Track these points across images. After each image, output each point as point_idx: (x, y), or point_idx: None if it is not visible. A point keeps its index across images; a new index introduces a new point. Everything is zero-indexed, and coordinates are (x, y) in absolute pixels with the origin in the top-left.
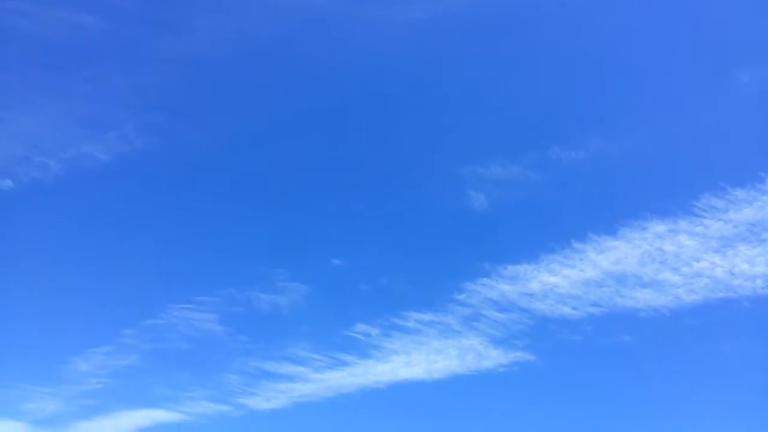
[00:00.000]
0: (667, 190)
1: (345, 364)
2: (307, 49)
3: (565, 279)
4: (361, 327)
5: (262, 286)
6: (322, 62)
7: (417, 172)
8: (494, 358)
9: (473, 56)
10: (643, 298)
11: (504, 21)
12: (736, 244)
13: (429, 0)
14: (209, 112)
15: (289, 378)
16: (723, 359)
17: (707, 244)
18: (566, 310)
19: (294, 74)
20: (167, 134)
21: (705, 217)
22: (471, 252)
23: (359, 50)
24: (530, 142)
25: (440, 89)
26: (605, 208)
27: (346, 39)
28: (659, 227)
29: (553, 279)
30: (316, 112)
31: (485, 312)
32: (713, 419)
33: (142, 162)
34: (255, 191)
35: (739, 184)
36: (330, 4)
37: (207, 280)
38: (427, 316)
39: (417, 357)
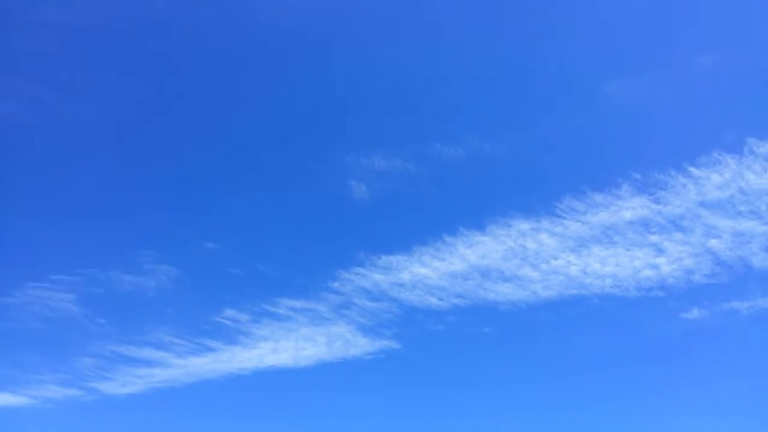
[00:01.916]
0: (533, 190)
1: (210, 349)
2: (193, 21)
3: (434, 271)
4: (229, 312)
5: (127, 267)
6: (208, 38)
7: (299, 158)
8: (361, 345)
9: (361, 49)
10: (503, 292)
11: (393, 17)
12: (591, 245)
13: None
14: (84, 82)
15: (149, 363)
16: (573, 351)
17: (565, 243)
18: (433, 300)
19: (180, 47)
20: (37, 102)
21: (565, 218)
22: (347, 241)
23: (247, 31)
24: (413, 137)
25: (328, 78)
26: (476, 205)
27: (236, 17)
28: (523, 225)
29: (423, 270)
30: (199, 90)
31: (356, 300)
32: (563, 403)
33: (5, 130)
34: (126, 168)
35: (598, 188)
36: None
37: (66, 259)
38: (298, 303)
39: (285, 344)
